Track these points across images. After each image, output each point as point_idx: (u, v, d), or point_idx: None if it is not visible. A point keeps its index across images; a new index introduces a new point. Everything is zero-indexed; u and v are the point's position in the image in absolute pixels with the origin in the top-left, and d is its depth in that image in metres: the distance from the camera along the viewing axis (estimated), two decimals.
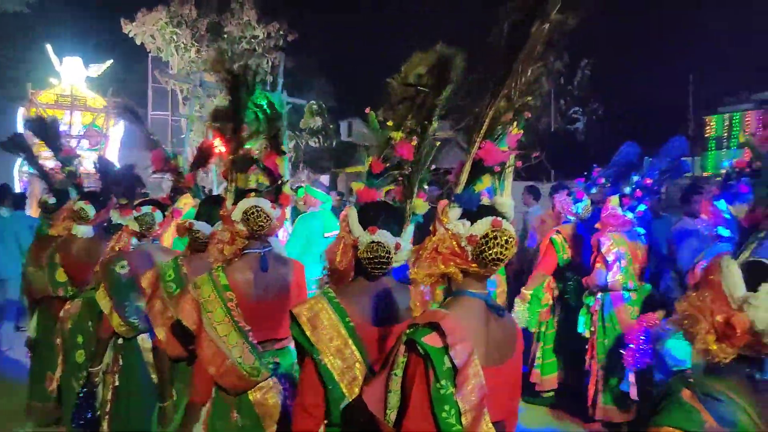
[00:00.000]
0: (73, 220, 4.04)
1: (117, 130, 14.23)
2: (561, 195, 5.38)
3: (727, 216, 3.80)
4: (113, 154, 13.61)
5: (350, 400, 1.97)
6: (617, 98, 19.30)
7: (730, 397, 1.43)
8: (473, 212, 1.74)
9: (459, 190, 1.81)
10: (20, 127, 11.31)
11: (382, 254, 2.01)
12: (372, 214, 2.10)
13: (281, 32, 19.32)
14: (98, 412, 3.48)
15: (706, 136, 15.53)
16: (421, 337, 1.60)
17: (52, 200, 4.57)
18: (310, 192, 6.02)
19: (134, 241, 3.54)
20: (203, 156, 3.42)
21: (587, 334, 4.71)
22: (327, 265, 2.22)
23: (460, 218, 1.72)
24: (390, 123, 2.22)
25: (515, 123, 1.84)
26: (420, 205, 2.22)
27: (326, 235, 5.95)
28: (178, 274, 2.98)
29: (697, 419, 1.42)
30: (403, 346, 1.66)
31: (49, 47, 14.15)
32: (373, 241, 2.02)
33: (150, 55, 19.08)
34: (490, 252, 1.65)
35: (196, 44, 18.55)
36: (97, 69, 14.73)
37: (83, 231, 4.01)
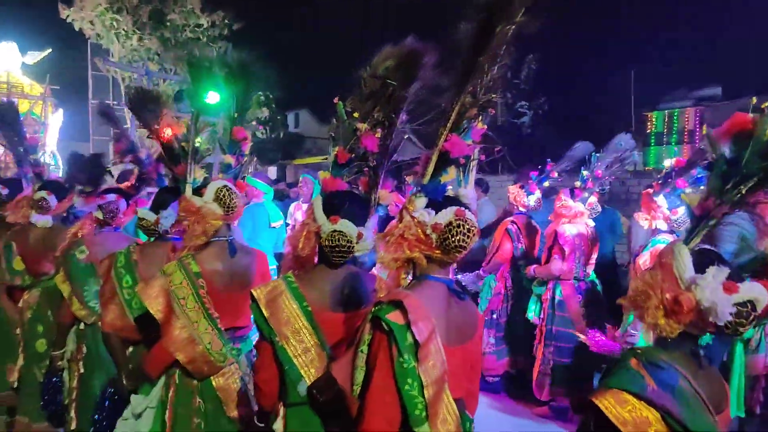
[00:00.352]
0: (31, 209, 3.95)
1: (56, 118, 13.67)
2: (514, 187, 5.51)
3: (666, 211, 4.01)
4: (52, 143, 13.07)
5: (307, 381, 2.04)
6: (562, 93, 19.81)
7: (672, 366, 1.59)
8: (438, 202, 1.84)
9: (425, 180, 1.91)
10: None
11: (344, 243, 2.06)
12: (336, 204, 2.14)
13: (226, 21, 18.95)
14: (66, 400, 3.44)
15: (647, 131, 16.14)
16: (385, 314, 1.69)
17: (5, 191, 4.39)
18: (251, 183, 5.95)
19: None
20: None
21: (536, 321, 4.88)
22: (290, 250, 2.24)
23: (425, 207, 1.82)
24: (356, 114, 2.27)
25: (480, 118, 1.95)
26: (385, 195, 2.29)
27: (272, 225, 5.90)
28: (128, 261, 2.98)
29: (641, 382, 1.56)
30: (369, 324, 1.74)
31: None
32: (335, 230, 2.07)
33: (89, 41, 18.39)
34: (454, 239, 1.75)
35: (137, 32, 17.96)
36: (35, 57, 14.11)
37: (42, 221, 3.94)
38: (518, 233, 5.22)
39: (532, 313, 4.92)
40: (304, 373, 2.05)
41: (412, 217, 1.81)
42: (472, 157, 2.01)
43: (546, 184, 5.25)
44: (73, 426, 3.33)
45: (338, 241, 2.05)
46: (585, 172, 4.77)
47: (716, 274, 1.54)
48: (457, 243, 1.75)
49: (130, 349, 3.03)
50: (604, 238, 5.61)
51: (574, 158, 5.03)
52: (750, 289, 1.54)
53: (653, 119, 15.88)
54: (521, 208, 5.31)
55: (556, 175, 5.16)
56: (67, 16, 17.21)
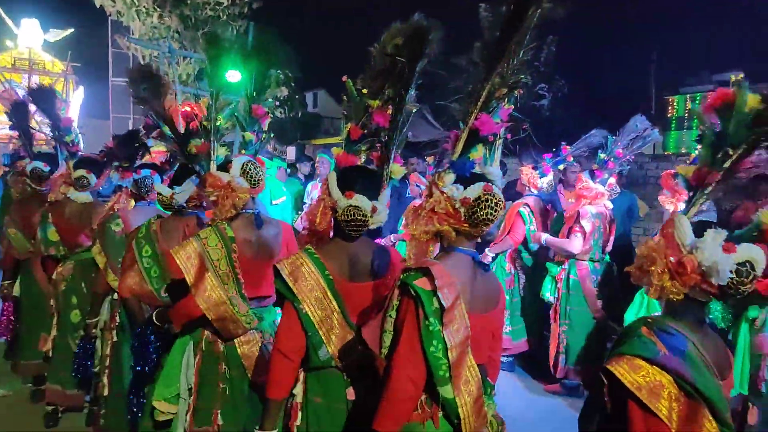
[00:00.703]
0: (69, 186, 4.12)
1: (77, 95, 13.82)
2: (527, 168, 5.51)
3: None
4: (73, 121, 13.22)
5: (328, 346, 2.14)
6: (582, 76, 19.55)
7: (681, 332, 1.68)
8: (466, 178, 1.93)
9: (454, 157, 2.02)
10: None
11: (359, 217, 2.13)
12: (350, 179, 2.20)
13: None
14: (97, 367, 3.61)
15: (668, 116, 15.91)
16: (413, 281, 1.79)
17: (47, 168, 4.61)
18: None
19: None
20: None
21: (551, 300, 4.91)
22: (307, 225, 2.32)
23: (454, 183, 1.92)
24: (365, 91, 2.36)
25: (507, 99, 2.07)
26: (396, 170, 2.36)
27: (273, 202, 5.94)
28: (149, 232, 3.12)
29: (652, 348, 1.65)
30: (397, 289, 1.84)
31: (0, 9, 13.58)
32: (350, 205, 2.13)
33: (110, 19, 18.48)
34: (482, 213, 1.84)
35: (157, 9, 17.98)
36: (57, 35, 14.23)
37: (83, 197, 4.12)
38: (530, 215, 5.24)
39: (548, 293, 4.96)
40: (326, 338, 2.14)
41: (442, 192, 1.90)
42: (498, 136, 2.11)
43: (561, 167, 5.26)
44: (106, 392, 3.47)
45: (354, 215, 2.13)
46: (602, 155, 4.76)
47: (715, 237, 1.64)
48: (485, 216, 1.84)
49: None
50: (621, 220, 5.64)
51: (590, 145, 5.06)
52: (748, 250, 1.64)
53: (674, 103, 15.63)
54: (533, 190, 5.33)
55: (571, 159, 5.16)
56: None
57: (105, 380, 3.47)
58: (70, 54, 13.40)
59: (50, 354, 4.11)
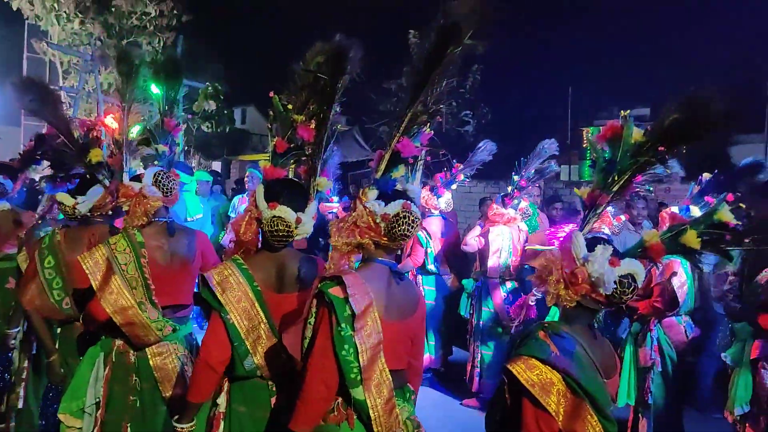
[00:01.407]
0: None
1: None
2: (424, 191, 5.78)
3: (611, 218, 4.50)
4: None
5: (254, 357, 2.20)
6: (504, 105, 20.38)
7: (572, 336, 1.89)
8: (388, 194, 2.08)
9: (378, 175, 2.17)
10: None
11: (282, 228, 2.22)
12: (275, 191, 2.28)
13: (175, 12, 18.56)
14: (12, 377, 3.53)
15: (583, 146, 16.83)
16: (328, 289, 1.91)
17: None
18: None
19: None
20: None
21: (467, 316, 5.11)
22: (233, 236, 2.39)
23: (376, 199, 2.05)
24: (290, 107, 2.48)
25: (428, 125, 2.27)
26: (323, 182, 2.50)
27: (189, 219, 5.88)
28: (52, 242, 3.08)
29: (546, 349, 1.85)
30: (314, 298, 1.96)
31: None
32: (274, 216, 2.22)
33: (27, 22, 17.66)
34: (400, 229, 1.99)
35: (80, 15, 17.35)
36: None
37: (1, 206, 3.99)
38: (428, 237, 5.42)
39: (464, 309, 5.14)
40: (252, 349, 2.19)
41: (365, 207, 2.04)
42: (419, 158, 2.30)
43: (453, 187, 5.48)
44: (20, 404, 3.40)
45: (277, 225, 2.21)
46: (516, 177, 5.02)
47: (603, 251, 1.85)
48: (402, 232, 2.00)
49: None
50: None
51: (479, 160, 5.34)
52: (630, 264, 1.86)
53: (589, 134, 16.59)
54: (434, 211, 5.54)
55: (462, 177, 5.40)
56: None
57: (21, 392, 3.40)
58: None
59: None
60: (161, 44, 17.99)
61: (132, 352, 2.69)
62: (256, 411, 2.23)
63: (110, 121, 3.18)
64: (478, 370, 5.03)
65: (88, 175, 3.19)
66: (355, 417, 1.96)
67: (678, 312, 3.68)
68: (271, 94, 2.52)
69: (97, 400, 2.70)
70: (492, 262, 4.97)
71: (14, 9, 16.89)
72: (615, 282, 1.82)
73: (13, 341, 3.49)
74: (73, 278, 2.98)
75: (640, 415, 3.64)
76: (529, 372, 1.80)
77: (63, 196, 3.10)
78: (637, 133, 1.93)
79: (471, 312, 5.08)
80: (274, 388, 2.26)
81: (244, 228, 2.32)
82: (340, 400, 1.96)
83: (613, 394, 2.00)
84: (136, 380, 2.67)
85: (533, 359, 1.83)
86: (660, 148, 1.89)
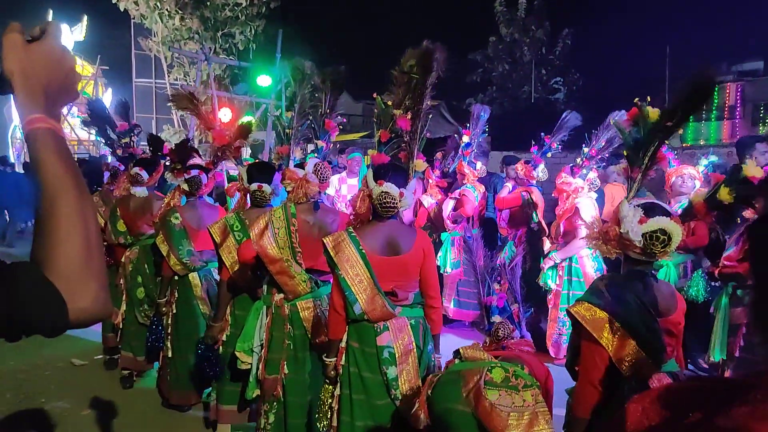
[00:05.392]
0: (130, 183, 4.86)
1: (106, 98, 14.36)
2: (519, 163, 5.98)
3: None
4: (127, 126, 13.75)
5: (360, 303, 2.79)
6: (596, 69, 19.68)
7: (624, 285, 2.25)
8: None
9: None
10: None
11: (389, 201, 2.78)
12: (381, 172, 2.85)
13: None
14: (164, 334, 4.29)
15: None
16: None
17: (122, 167, 5.45)
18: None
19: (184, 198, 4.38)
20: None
21: (553, 287, 5.21)
22: (351, 210, 3.00)
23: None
24: (390, 103, 3.08)
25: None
26: (419, 164, 3.06)
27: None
28: (243, 224, 3.68)
29: (600, 295, 2.23)
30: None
31: (50, 12, 14.15)
32: (382, 192, 2.77)
33: (132, 22, 18.99)
34: (380, 203, 2.77)
35: (179, 12, 18.44)
36: (79, 30, 14.72)
37: (139, 191, 4.83)
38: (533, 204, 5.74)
39: (549, 279, 5.22)
40: (358, 297, 2.77)
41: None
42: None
43: (549, 155, 5.58)
44: (170, 354, 4.18)
45: (385, 199, 2.76)
46: (586, 149, 4.99)
47: (635, 213, 2.20)
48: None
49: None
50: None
51: (567, 128, 5.40)
52: (657, 221, 2.17)
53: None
54: (531, 182, 5.78)
55: (555, 145, 5.48)
56: None
57: (168, 344, 4.19)
58: (99, 58, 13.87)
59: (120, 326, 4.83)
60: (252, 32, 18.82)
61: (287, 306, 3.32)
62: (365, 347, 2.84)
63: (225, 114, 3.76)
64: (565, 337, 5.06)
65: (264, 165, 3.90)
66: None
67: None
68: (375, 95, 3.12)
69: (261, 342, 3.38)
70: (583, 233, 4.99)
71: (121, 10, 18.21)
72: (644, 236, 2.17)
73: (164, 308, 4.24)
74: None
75: (727, 368, 3.72)
76: (585, 312, 2.19)
77: (267, 187, 3.67)
78: (653, 113, 2.24)
79: (557, 283, 5.15)
80: (379, 330, 2.83)
81: (359, 203, 2.90)
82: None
83: (674, 330, 2.28)
84: (290, 328, 3.30)
85: (588, 303, 2.21)
86: (667, 124, 2.22)
